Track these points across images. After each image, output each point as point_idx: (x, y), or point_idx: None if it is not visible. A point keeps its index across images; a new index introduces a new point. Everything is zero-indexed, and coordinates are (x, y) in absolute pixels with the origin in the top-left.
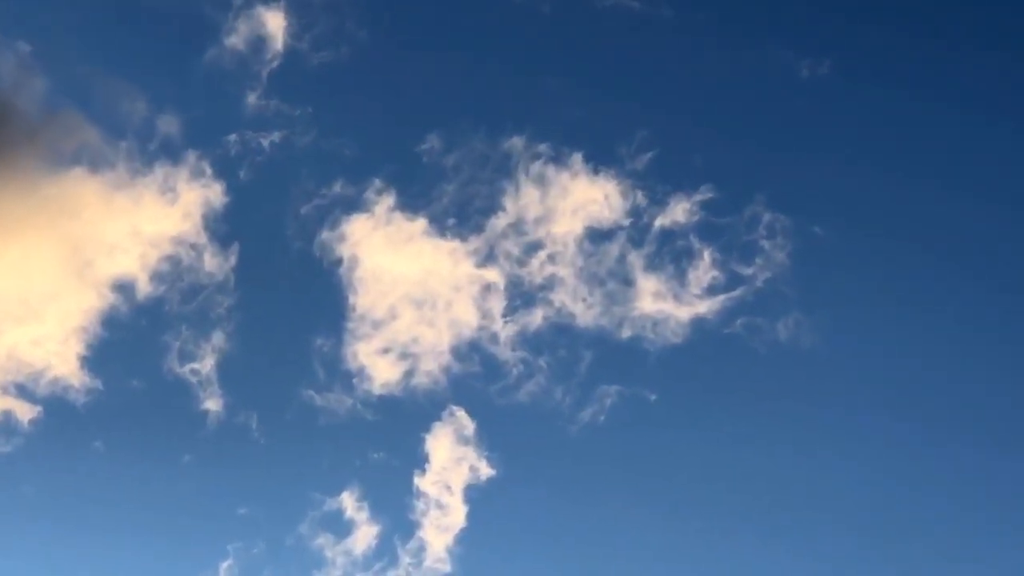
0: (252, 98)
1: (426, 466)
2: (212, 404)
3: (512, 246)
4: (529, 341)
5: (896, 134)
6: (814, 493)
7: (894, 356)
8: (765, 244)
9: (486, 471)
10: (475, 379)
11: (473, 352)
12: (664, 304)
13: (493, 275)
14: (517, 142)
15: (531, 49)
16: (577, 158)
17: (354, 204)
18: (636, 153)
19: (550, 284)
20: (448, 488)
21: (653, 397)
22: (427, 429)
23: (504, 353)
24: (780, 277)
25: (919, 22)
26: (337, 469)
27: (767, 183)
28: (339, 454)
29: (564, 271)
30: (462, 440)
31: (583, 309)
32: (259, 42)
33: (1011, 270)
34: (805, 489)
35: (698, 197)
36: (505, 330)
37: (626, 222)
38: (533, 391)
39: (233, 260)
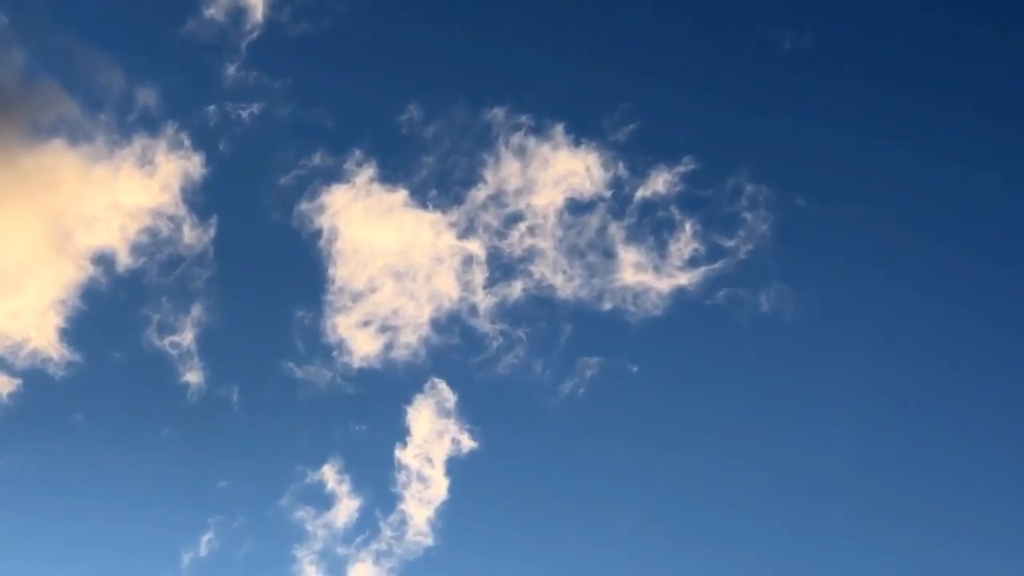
0: (231, 69)
1: (407, 439)
2: (192, 377)
3: (492, 218)
4: (510, 313)
5: (879, 106)
6: (797, 462)
7: (876, 327)
8: (747, 216)
9: (468, 444)
10: (456, 352)
11: (454, 324)
12: (645, 276)
13: (473, 247)
14: (498, 113)
15: (513, 20)
16: (559, 129)
17: (334, 175)
18: (618, 125)
19: (530, 256)
20: (430, 461)
21: (635, 368)
22: (408, 401)
23: (485, 325)
24: (762, 249)
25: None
26: (318, 442)
27: (750, 155)
28: (320, 427)
29: (544, 243)
30: (443, 413)
31: (564, 281)
32: (238, 13)
33: (996, 241)
34: (787, 458)
35: (680, 169)
36: (486, 302)
37: (607, 194)
38: (514, 363)
39: (212, 232)
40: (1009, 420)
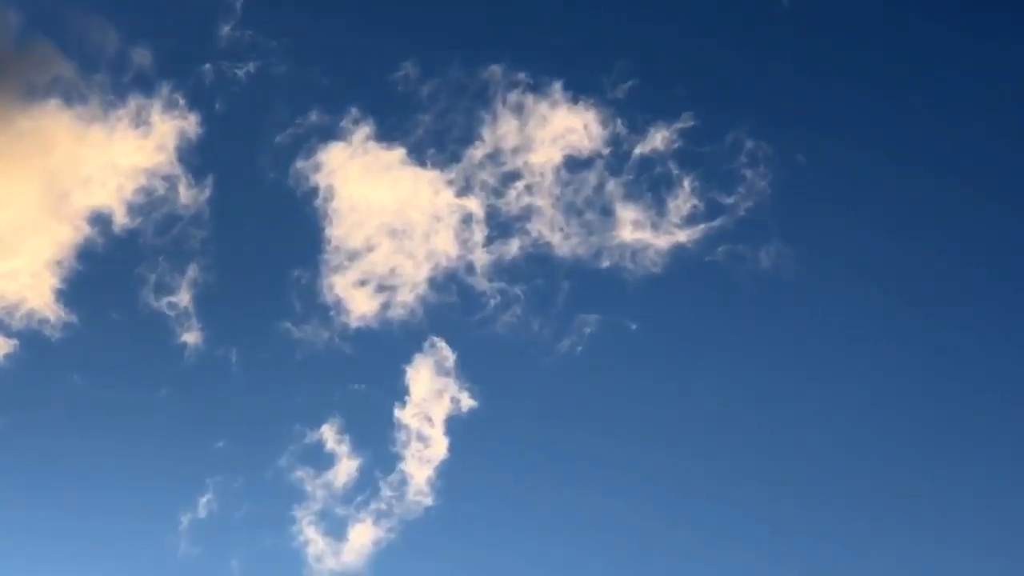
0: (226, 28)
1: (406, 398)
2: (189, 337)
3: (489, 176)
4: (507, 271)
5: (880, 60)
6: (796, 420)
7: (876, 285)
8: (747, 172)
9: (468, 403)
10: (454, 310)
11: (451, 283)
12: (644, 233)
13: (471, 205)
14: (496, 70)
15: None
16: (556, 86)
17: (330, 134)
18: (617, 81)
19: (528, 214)
20: (429, 420)
21: (634, 326)
22: (407, 361)
23: (483, 284)
24: (762, 206)
25: None
26: (317, 402)
27: (749, 111)
28: (319, 387)
29: (542, 201)
30: (443, 371)
31: (561, 239)
32: None
33: (998, 196)
34: (787, 416)
35: (679, 125)
36: (484, 260)
37: (606, 151)
38: (513, 321)
39: (208, 192)
40: (1012, 376)
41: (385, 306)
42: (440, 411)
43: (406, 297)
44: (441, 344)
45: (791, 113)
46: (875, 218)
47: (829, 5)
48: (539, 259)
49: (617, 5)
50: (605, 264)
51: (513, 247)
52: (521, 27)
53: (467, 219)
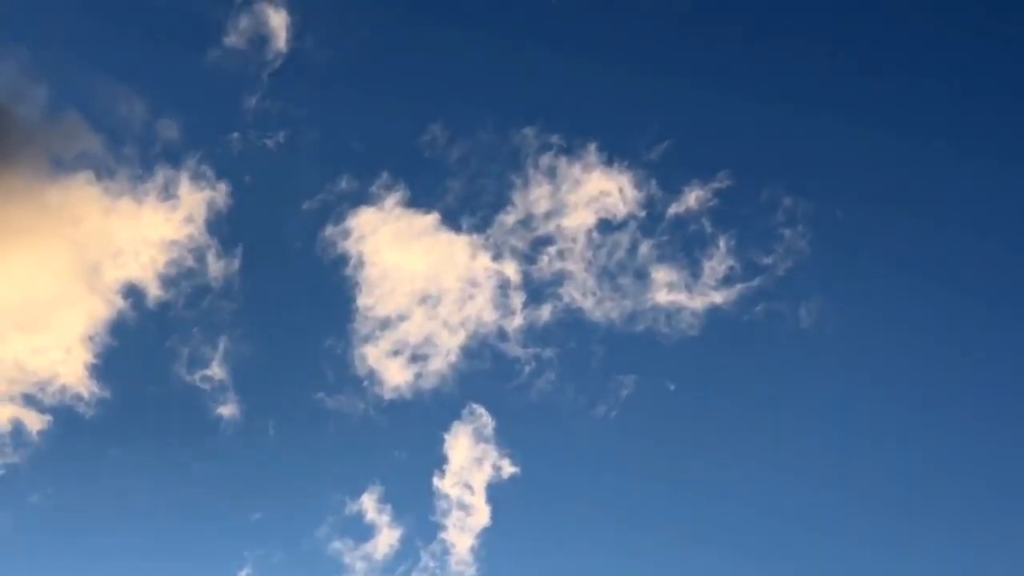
0: (254, 99)
1: (445, 467)
2: (224, 410)
3: (520, 242)
4: (540, 337)
5: (918, 117)
6: (842, 479)
7: (920, 341)
8: (785, 231)
9: (508, 469)
10: (489, 377)
11: (486, 349)
12: (679, 295)
13: (504, 271)
14: (528, 133)
15: (543, 37)
16: (591, 148)
17: (360, 201)
18: (651, 142)
19: (560, 279)
20: (469, 487)
21: (672, 386)
22: (446, 428)
23: (518, 350)
24: (801, 264)
25: (937, 6)
26: (355, 473)
27: (786, 168)
28: (356, 457)
29: (575, 266)
30: (482, 438)
31: (595, 304)
32: (261, 42)
33: None
34: (830, 477)
35: (715, 185)
36: (519, 326)
37: (641, 214)
38: (550, 386)
39: (238, 262)
40: None
41: (419, 376)
42: (481, 478)
43: (439, 365)
44: (481, 411)
45: (829, 170)
46: (916, 274)
47: (863, 62)
48: (571, 324)
49: (651, 66)
50: (639, 328)
51: (545, 312)
52: (554, 89)
53: (503, 285)
